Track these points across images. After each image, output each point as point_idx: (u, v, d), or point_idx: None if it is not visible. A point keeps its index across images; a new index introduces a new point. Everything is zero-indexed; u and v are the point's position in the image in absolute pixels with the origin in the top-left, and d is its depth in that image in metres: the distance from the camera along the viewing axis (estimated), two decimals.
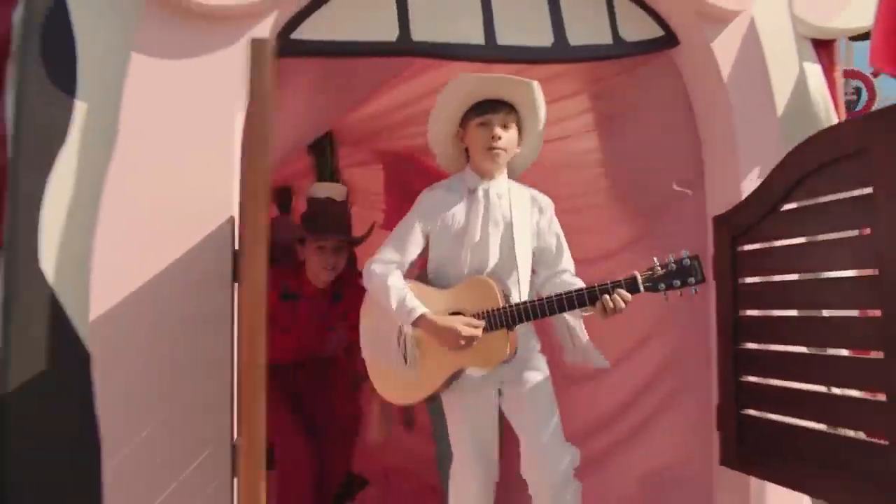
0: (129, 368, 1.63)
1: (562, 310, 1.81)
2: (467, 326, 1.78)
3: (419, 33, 1.94)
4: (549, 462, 1.87)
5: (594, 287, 1.77)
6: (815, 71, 2.47)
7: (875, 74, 7.30)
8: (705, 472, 2.16)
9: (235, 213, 1.74)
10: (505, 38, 2.01)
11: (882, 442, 1.65)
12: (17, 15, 1.73)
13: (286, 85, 2.03)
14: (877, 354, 1.72)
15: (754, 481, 2.04)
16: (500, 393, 1.96)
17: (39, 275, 1.64)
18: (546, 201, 2.02)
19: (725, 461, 2.05)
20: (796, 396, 1.91)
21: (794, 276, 1.98)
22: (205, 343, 1.69)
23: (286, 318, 2.49)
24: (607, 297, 1.75)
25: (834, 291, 1.87)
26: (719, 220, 2.12)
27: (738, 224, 2.08)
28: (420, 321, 1.81)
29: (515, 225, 1.93)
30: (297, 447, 2.41)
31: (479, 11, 2.01)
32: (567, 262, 2.00)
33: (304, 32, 1.87)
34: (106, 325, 1.63)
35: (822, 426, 1.86)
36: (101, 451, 1.61)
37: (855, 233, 1.86)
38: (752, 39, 2.25)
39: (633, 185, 2.38)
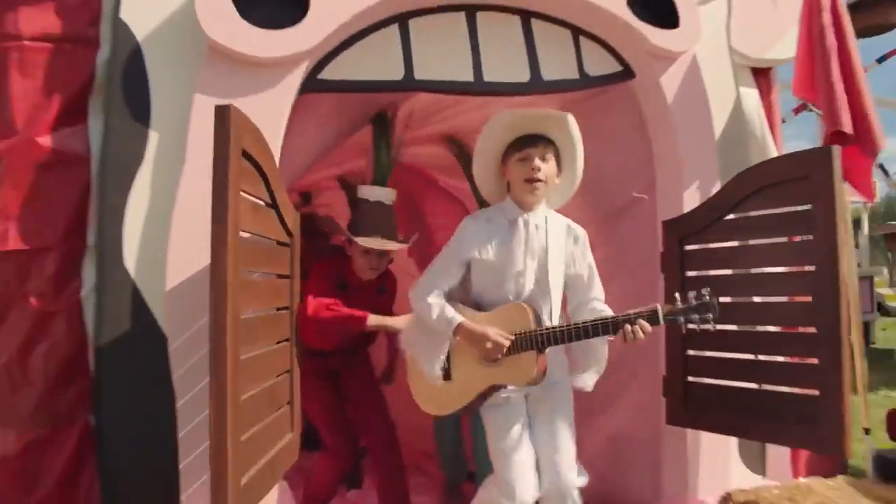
0: (194, 346, 2.04)
1: (587, 336, 1.92)
2: (497, 335, 1.91)
3: (421, 73, 2.37)
4: (560, 476, 1.98)
5: (618, 317, 1.89)
6: (752, 95, 2.97)
7: (797, 111, 7.76)
8: (655, 431, 2.62)
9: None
10: (490, 76, 2.46)
11: (814, 392, 2.11)
12: (101, 57, 2.15)
13: (309, 112, 2.46)
14: (804, 330, 2.20)
15: (690, 435, 2.51)
16: (525, 398, 2.07)
17: (124, 271, 2.04)
18: (581, 232, 2.13)
19: (671, 420, 2.51)
20: (732, 364, 2.37)
21: (730, 272, 2.45)
22: None
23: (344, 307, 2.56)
24: (629, 326, 1.87)
25: (767, 283, 2.33)
26: (668, 224, 2.59)
27: (685, 228, 2.54)
28: (459, 329, 1.95)
29: (550, 255, 2.03)
30: (345, 428, 2.70)
31: (468, 56, 2.45)
32: (598, 290, 2.12)
33: (328, 74, 2.30)
34: (178, 312, 2.04)
35: (753, 385, 2.33)
36: (176, 409, 2.01)
37: (784, 239, 2.33)
38: (694, 72, 2.72)
39: (597, 193, 2.82)
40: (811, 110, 7.52)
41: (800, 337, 2.31)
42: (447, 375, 2.05)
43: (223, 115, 1.59)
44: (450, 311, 1.98)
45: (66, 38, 2.14)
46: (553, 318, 2.04)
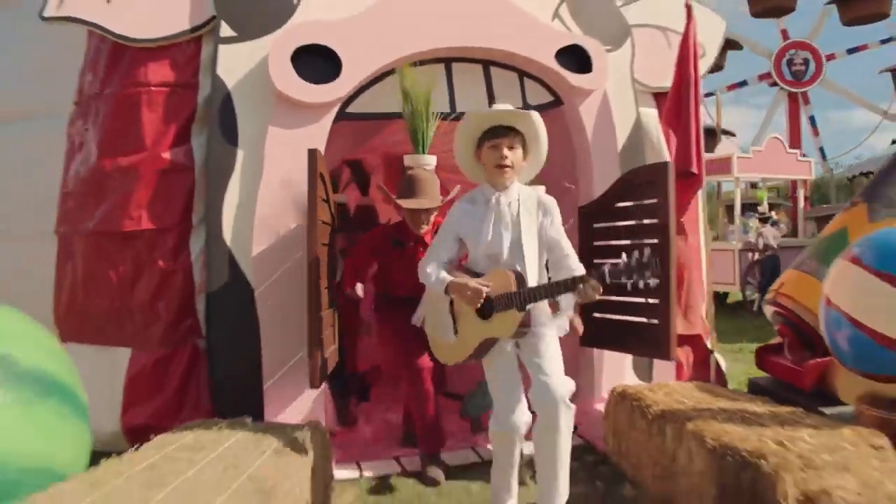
0: (272, 297, 3.13)
1: (551, 296, 2.34)
2: (475, 284, 2.34)
3: None
4: (550, 388, 2.34)
5: (573, 279, 2.28)
6: (651, 114, 4.15)
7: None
8: (575, 351, 3.85)
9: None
10: (461, 107, 3.57)
11: (655, 321, 3.31)
12: (202, 97, 3.19)
13: (338, 136, 3.55)
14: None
15: (596, 354, 3.74)
16: (517, 346, 2.45)
17: (223, 243, 3.11)
18: (550, 202, 2.52)
19: (583, 343, 3.72)
20: (616, 304, 3.58)
21: (619, 242, 3.63)
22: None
23: (398, 260, 3.24)
24: (581, 287, 2.24)
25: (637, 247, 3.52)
26: (582, 209, 3.78)
27: (592, 212, 3.72)
28: (449, 286, 2.43)
29: (523, 226, 2.43)
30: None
31: (446, 91, 3.56)
32: (568, 248, 2.49)
33: (352, 109, 3.39)
34: (260, 270, 3.12)
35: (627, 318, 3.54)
36: (259, 334, 3.12)
37: (645, 221, 3.49)
38: (604, 101, 3.85)
39: (540, 183, 3.97)
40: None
41: (651, 287, 3.52)
42: (456, 333, 2.56)
43: (313, 155, 2.72)
44: (442, 274, 2.47)
45: (178, 84, 3.18)
46: (532, 278, 2.39)
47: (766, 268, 9.16)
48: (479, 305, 2.38)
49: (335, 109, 3.25)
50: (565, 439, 2.40)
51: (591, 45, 3.66)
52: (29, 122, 3.59)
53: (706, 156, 4.59)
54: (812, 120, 20.79)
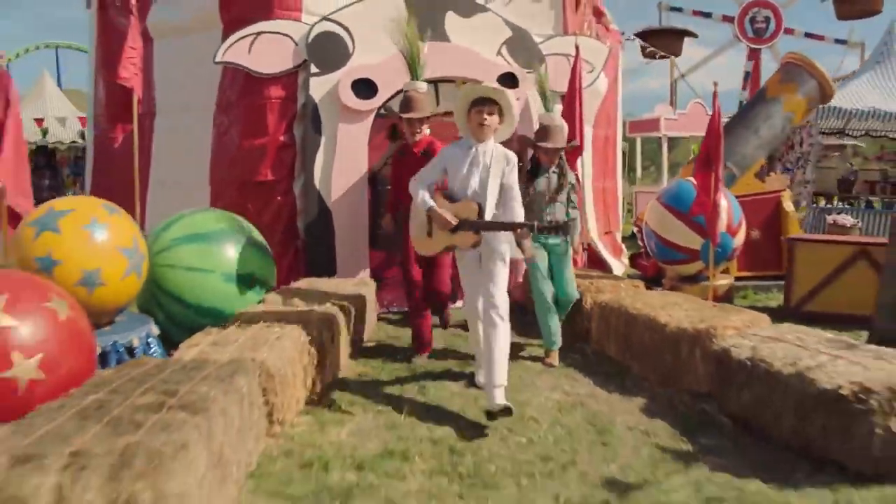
0: (340, 217, 5.81)
1: (496, 230, 3.43)
2: (446, 216, 3.41)
3: None
4: (490, 294, 3.46)
5: (513, 223, 3.38)
6: (558, 108, 6.85)
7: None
8: None
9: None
10: (443, 105, 6.22)
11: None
12: (299, 104, 5.80)
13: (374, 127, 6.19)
14: None
15: None
16: (480, 258, 3.53)
17: (313, 187, 5.78)
18: (513, 157, 3.48)
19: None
20: None
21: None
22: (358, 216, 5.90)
23: (403, 169, 4.35)
24: (518, 231, 3.35)
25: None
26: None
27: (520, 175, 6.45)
28: (430, 210, 3.47)
29: (491, 170, 3.40)
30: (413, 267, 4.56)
31: (434, 95, 6.20)
32: (516, 194, 3.48)
33: (382, 111, 6.02)
34: (337, 207, 5.80)
35: None
36: (335, 242, 5.81)
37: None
38: (527, 104, 6.51)
39: None
40: None
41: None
42: (430, 234, 3.64)
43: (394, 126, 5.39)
44: (427, 198, 3.50)
45: (287, 97, 5.77)
46: (489, 210, 3.38)
47: None
48: (448, 230, 3.50)
49: (374, 113, 5.88)
50: (500, 332, 3.45)
51: (518, 71, 6.31)
52: (188, 113, 6.16)
53: (646, 115, 7.14)
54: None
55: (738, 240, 5.84)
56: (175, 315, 4.34)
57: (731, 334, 3.63)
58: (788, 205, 6.97)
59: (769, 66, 23.41)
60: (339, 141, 5.77)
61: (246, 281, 4.48)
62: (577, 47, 6.22)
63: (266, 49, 5.63)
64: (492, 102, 3.53)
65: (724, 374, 3.47)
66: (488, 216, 3.45)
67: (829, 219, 8.05)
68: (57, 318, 2.99)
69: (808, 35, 23.74)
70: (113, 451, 2.01)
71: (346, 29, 5.76)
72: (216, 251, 4.42)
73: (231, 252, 4.48)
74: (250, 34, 5.59)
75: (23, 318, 2.86)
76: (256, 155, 5.80)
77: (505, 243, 3.59)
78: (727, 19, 24.27)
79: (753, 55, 24.02)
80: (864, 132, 10.66)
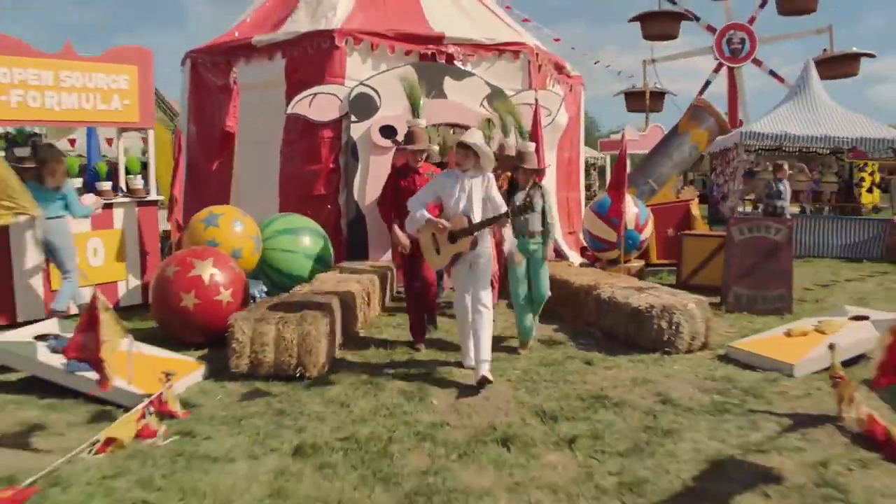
0: (371, 219, 8.61)
1: (486, 226, 4.62)
2: (441, 223, 4.67)
3: None
4: (478, 296, 4.71)
5: (496, 216, 4.61)
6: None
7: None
8: None
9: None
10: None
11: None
12: (343, 141, 8.63)
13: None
14: None
15: None
16: (470, 266, 4.73)
17: (353, 198, 8.61)
18: (491, 175, 4.78)
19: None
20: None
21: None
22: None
23: (410, 183, 5.77)
24: (500, 220, 4.60)
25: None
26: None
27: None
28: (428, 221, 4.70)
29: (474, 192, 4.69)
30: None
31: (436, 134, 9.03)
32: (498, 199, 4.74)
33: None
34: (368, 209, 8.62)
35: None
36: (368, 234, 8.64)
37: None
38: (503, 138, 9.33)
39: None
40: None
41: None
42: (438, 252, 4.88)
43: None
44: (423, 213, 4.77)
45: (335, 137, 8.60)
46: (476, 219, 4.68)
47: None
48: (445, 234, 4.68)
49: (395, 148, 8.69)
50: (487, 321, 4.79)
51: (494, 118, 9.10)
52: (262, 146, 9.00)
53: (613, 136, 9.78)
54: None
55: (645, 234, 8.64)
56: (275, 280, 7.13)
57: (605, 287, 6.40)
58: (695, 210, 9.74)
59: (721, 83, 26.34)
60: (370, 167, 8.57)
61: (317, 259, 7.28)
62: (536, 99, 9.02)
63: (321, 104, 8.45)
64: (466, 147, 4.90)
65: (598, 308, 6.25)
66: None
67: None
68: (235, 270, 5.82)
69: (771, 73, 26.57)
70: (290, 320, 4.83)
71: (376, 91, 8.57)
72: (300, 239, 7.24)
73: (308, 240, 7.29)
74: (310, 94, 8.40)
75: (222, 269, 5.69)
76: (313, 177, 8.62)
77: (489, 248, 4.93)
78: (710, 29, 27.14)
79: (730, 73, 26.84)
80: (788, 151, 13.45)
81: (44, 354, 4.63)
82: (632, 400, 4.41)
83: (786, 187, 10.73)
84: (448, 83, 8.90)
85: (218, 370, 4.98)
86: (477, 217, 4.74)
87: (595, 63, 19.41)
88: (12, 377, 4.86)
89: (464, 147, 4.82)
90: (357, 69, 8.71)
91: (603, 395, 4.46)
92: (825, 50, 23.87)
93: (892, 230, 12.15)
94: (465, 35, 9.21)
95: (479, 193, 4.79)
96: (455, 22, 9.49)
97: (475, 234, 4.70)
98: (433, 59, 8.95)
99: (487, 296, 4.86)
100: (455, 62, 9.05)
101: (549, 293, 5.73)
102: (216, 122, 9.23)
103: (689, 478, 3.28)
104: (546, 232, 5.56)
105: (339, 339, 5.52)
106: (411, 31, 8.96)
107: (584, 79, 11.90)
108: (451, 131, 9.04)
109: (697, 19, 25.14)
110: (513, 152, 7.04)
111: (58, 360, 4.50)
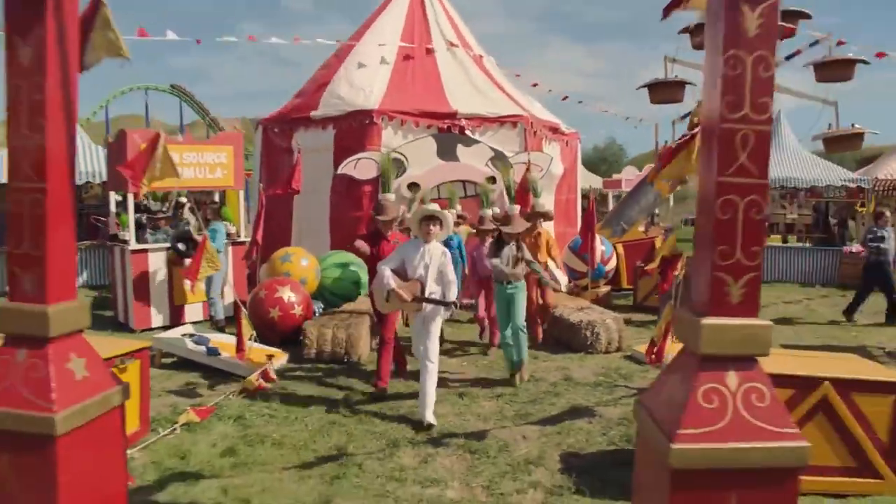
0: None
1: (432, 303, 5.76)
2: (401, 292, 5.65)
3: None
4: (426, 351, 5.85)
5: (445, 302, 5.77)
6: (517, 207, 12.65)
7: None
8: None
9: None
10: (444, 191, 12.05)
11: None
12: (380, 192, 11.71)
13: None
14: None
15: None
16: (423, 320, 5.87)
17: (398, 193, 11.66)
18: (447, 252, 5.88)
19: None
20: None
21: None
22: None
23: (377, 249, 7.10)
24: (445, 307, 5.84)
25: None
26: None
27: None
28: (392, 290, 5.66)
29: (432, 261, 5.75)
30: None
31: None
32: (451, 276, 5.79)
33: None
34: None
35: None
36: None
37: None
38: (501, 192, 12.27)
39: None
40: None
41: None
42: (387, 300, 5.83)
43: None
44: (389, 279, 5.65)
45: (373, 191, 11.69)
46: (428, 288, 5.69)
47: None
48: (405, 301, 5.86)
49: (420, 193, 11.71)
50: (431, 374, 5.86)
51: (497, 175, 12.07)
52: (315, 195, 12.12)
53: (615, 176, 12.70)
54: None
55: (609, 266, 11.47)
56: (329, 299, 10.20)
57: (559, 307, 9.25)
58: (658, 245, 12.49)
59: None
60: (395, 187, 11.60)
61: (359, 284, 10.32)
62: (528, 160, 11.98)
63: (363, 166, 11.55)
64: (435, 218, 5.84)
65: (553, 321, 9.12)
66: (427, 291, 5.76)
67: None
68: (303, 292, 8.91)
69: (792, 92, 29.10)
70: (341, 325, 7.87)
71: (404, 156, 11.63)
72: (346, 271, 10.30)
73: (352, 271, 10.34)
74: (354, 159, 11.51)
75: (295, 292, 8.79)
76: (356, 221, 11.69)
77: (438, 315, 5.96)
78: None
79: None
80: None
81: (191, 345, 7.75)
82: (546, 377, 7.34)
83: (889, 234, 11.09)
84: (460, 149, 11.94)
85: (295, 357, 8.04)
86: (429, 286, 5.86)
87: (604, 111, 22.80)
88: (168, 360, 7.98)
89: (429, 218, 5.92)
90: (390, 139, 11.82)
91: (532, 376, 7.34)
92: (830, 125, 26.46)
93: (843, 259, 14.68)
94: (474, 110, 12.25)
95: (436, 265, 5.88)
96: (469, 99, 12.55)
97: (424, 306, 5.86)
98: (448, 130, 11.99)
99: (434, 351, 5.98)
100: (466, 132, 12.07)
101: (522, 324, 7.10)
102: (281, 177, 12.42)
103: (556, 414, 6.16)
104: (519, 276, 7.08)
105: (373, 340, 8.54)
106: (432, 109, 12.05)
107: (611, 104, 14.77)
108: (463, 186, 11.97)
109: (695, 85, 27.82)
110: (540, 208, 9.71)
111: (201, 349, 7.62)
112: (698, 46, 27.39)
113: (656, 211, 18.30)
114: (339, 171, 11.52)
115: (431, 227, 5.87)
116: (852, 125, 26.29)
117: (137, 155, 5.22)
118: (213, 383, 7.13)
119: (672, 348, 5.58)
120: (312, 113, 12.40)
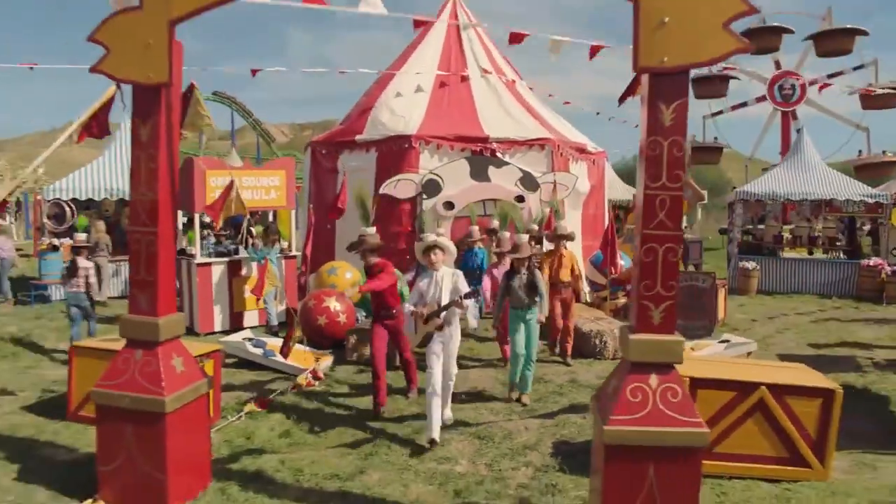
0: None
1: (449, 308, 6.28)
2: (421, 311, 6.37)
3: None
4: (448, 367, 6.50)
5: (455, 300, 6.26)
6: (525, 236, 13.79)
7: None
8: None
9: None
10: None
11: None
12: (418, 209, 12.99)
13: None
14: None
15: None
16: (443, 344, 6.41)
17: (421, 220, 12.87)
18: (458, 272, 6.47)
19: None
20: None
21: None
22: None
23: (375, 283, 7.22)
24: (457, 301, 6.28)
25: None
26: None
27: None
28: (412, 312, 6.44)
29: (444, 284, 6.40)
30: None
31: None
32: (463, 287, 6.31)
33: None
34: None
35: None
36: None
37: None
38: (529, 208, 13.44)
39: None
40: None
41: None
42: (416, 331, 6.84)
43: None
44: (411, 307, 6.47)
45: (411, 209, 12.96)
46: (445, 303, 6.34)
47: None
48: (422, 319, 6.41)
49: (454, 217, 12.94)
50: (450, 387, 6.67)
51: (525, 193, 13.23)
52: (357, 211, 13.43)
53: None
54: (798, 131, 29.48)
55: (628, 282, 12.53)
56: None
57: (581, 319, 10.36)
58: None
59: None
60: (436, 230, 12.82)
61: (401, 295, 11.56)
62: (555, 180, 13.12)
63: (402, 187, 12.84)
64: (437, 247, 6.50)
65: (577, 333, 10.24)
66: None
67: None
68: (348, 302, 10.23)
69: (825, 111, 29.60)
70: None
71: (440, 177, 12.88)
72: None
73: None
74: (395, 180, 12.81)
75: (340, 302, 10.13)
76: (396, 236, 12.97)
77: (457, 332, 6.60)
78: (759, 99, 30.52)
79: (784, 117, 30.03)
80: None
81: (251, 348, 9.12)
82: (555, 380, 8.49)
83: None
84: (491, 170, 13.14)
85: (339, 359, 9.36)
86: (444, 301, 6.40)
87: (623, 121, 23.95)
88: (230, 361, 9.35)
89: (430, 248, 6.53)
90: (427, 161, 13.09)
91: (542, 378, 8.49)
92: (860, 151, 27.63)
93: (861, 271, 15.40)
94: (505, 134, 13.44)
95: (448, 285, 6.48)
96: (500, 124, 13.75)
97: (442, 317, 6.39)
98: (481, 153, 13.19)
99: (454, 370, 6.71)
100: (497, 154, 13.24)
101: (536, 356, 7.76)
102: (327, 196, 13.80)
103: (557, 410, 7.31)
104: (536, 302, 7.59)
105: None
106: (466, 134, 13.28)
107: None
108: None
109: (738, 79, 28.55)
110: (562, 231, 10.28)
111: (259, 351, 8.98)
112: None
113: (684, 224, 19.20)
114: (381, 190, 12.82)
115: (433, 255, 6.51)
116: (884, 152, 27.37)
117: (218, 199, 6.61)
118: (269, 381, 8.47)
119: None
120: (357, 137, 13.76)
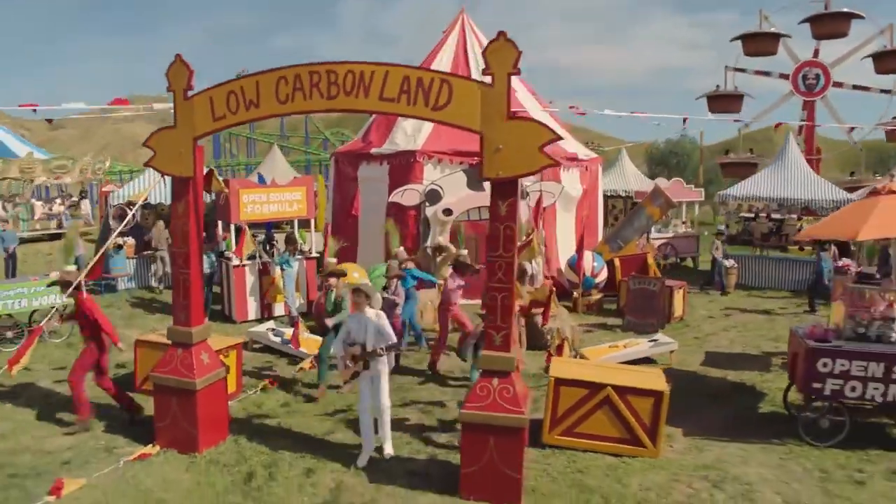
0: (434, 264, 15.46)
1: (371, 357, 7.30)
2: (347, 356, 8.62)
3: None
4: (380, 401, 7.46)
5: (369, 352, 7.32)
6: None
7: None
8: None
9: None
10: None
11: None
12: (423, 214, 15.57)
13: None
14: None
15: None
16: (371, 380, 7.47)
17: (427, 251, 15.48)
18: (382, 315, 7.42)
19: None
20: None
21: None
22: None
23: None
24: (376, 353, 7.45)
25: None
26: None
27: None
28: (340, 355, 9.02)
29: (368, 325, 7.30)
30: None
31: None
32: (387, 329, 7.36)
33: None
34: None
35: None
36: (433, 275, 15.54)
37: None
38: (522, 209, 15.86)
39: None
40: None
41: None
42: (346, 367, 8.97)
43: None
44: (340, 348, 9.33)
45: (416, 214, 15.56)
46: (370, 347, 7.31)
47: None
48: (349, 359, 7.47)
49: (451, 222, 15.47)
50: (386, 415, 7.54)
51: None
52: (372, 215, 16.07)
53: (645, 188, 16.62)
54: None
55: (599, 279, 14.90)
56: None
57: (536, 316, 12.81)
58: (651, 260, 15.75)
59: (822, 115, 30.69)
60: (436, 233, 15.38)
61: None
62: (541, 190, 15.49)
63: (408, 196, 15.44)
64: (358, 291, 7.45)
65: (531, 327, 12.72)
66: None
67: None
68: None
69: (855, 87, 30.71)
70: None
71: (441, 187, 15.42)
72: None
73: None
74: (402, 190, 15.38)
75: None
76: (403, 237, 15.54)
77: (384, 368, 7.53)
78: (783, 76, 31.82)
79: (807, 106, 31.32)
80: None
81: (272, 336, 11.97)
82: None
83: None
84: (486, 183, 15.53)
85: None
86: (369, 344, 7.31)
87: (657, 124, 26.05)
88: (257, 346, 12.19)
89: (356, 292, 7.40)
90: (430, 173, 15.66)
91: None
92: (727, 151, 29.23)
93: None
94: None
95: (373, 329, 7.29)
96: None
97: (367, 358, 7.31)
98: (476, 165, 15.60)
99: (387, 401, 7.57)
100: None
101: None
102: (348, 201, 16.49)
103: None
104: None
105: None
106: (464, 148, 15.71)
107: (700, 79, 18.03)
108: None
109: (789, 37, 30.09)
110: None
111: (277, 339, 11.81)
112: (750, 54, 30.29)
113: (673, 224, 21.36)
114: (391, 199, 15.44)
115: (355, 299, 7.48)
116: (751, 150, 29.81)
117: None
118: (284, 363, 11.28)
119: (556, 361, 9.16)
120: (373, 150, 16.37)
